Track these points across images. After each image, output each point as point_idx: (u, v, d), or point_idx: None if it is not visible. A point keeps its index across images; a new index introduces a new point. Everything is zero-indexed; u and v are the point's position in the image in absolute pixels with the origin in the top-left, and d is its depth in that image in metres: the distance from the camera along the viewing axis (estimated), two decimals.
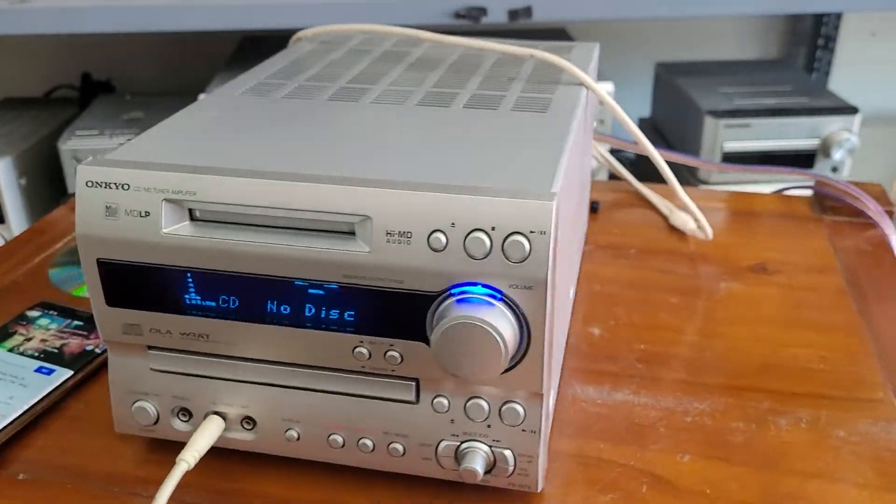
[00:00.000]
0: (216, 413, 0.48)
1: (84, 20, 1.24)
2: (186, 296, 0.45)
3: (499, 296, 0.40)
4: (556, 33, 1.53)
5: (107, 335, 0.47)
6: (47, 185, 1.43)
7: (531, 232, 0.39)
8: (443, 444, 0.46)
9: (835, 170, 1.40)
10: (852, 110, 1.37)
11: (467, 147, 0.47)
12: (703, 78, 1.53)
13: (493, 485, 0.46)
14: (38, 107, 1.58)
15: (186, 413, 0.49)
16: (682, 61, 1.66)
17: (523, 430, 0.45)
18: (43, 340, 0.59)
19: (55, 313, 0.63)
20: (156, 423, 0.49)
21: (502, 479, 0.46)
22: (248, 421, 0.48)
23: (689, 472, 0.49)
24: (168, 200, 0.43)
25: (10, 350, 0.58)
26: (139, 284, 0.45)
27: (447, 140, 0.48)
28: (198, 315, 0.45)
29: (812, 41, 1.75)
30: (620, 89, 1.38)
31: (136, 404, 0.49)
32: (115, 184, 0.43)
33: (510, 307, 0.41)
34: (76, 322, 0.62)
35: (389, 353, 0.44)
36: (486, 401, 0.44)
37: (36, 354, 0.58)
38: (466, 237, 0.40)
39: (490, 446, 0.45)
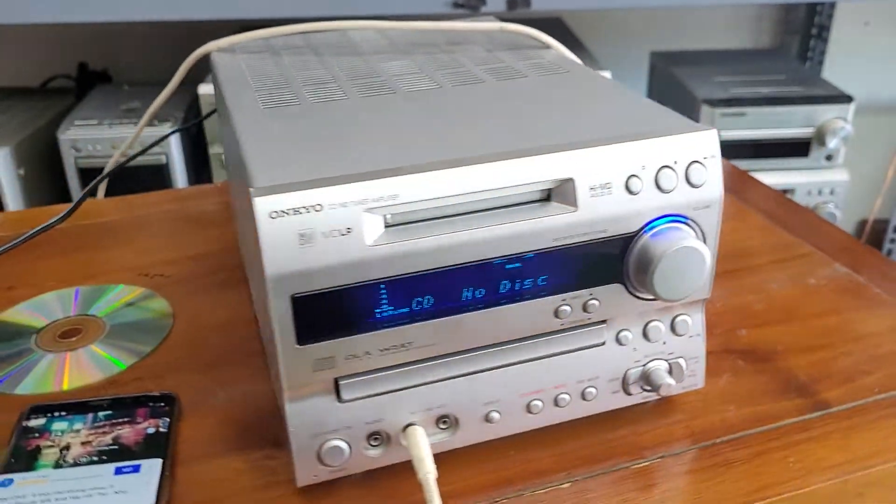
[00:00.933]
0: (411, 424, 0.46)
1: (81, 9, 1.24)
2: (379, 309, 0.42)
3: (685, 220, 0.46)
4: (552, 23, 1.53)
5: (293, 381, 0.42)
6: (45, 175, 1.43)
7: (704, 158, 0.45)
8: (629, 372, 0.50)
9: (829, 158, 1.41)
10: (847, 99, 1.38)
11: (578, 108, 0.50)
12: (699, 67, 1.54)
13: (671, 393, 0.51)
14: (35, 97, 1.58)
15: (378, 437, 0.46)
16: (677, 50, 1.66)
17: (690, 337, 0.50)
18: (85, 443, 0.49)
19: (64, 413, 0.51)
20: (348, 458, 0.46)
21: (677, 387, 0.51)
22: (444, 420, 0.47)
23: None
24: (368, 210, 0.40)
25: (59, 466, 0.47)
26: (335, 311, 0.41)
27: (546, 106, 0.50)
28: (394, 325, 0.43)
29: (806, 30, 1.76)
30: (616, 78, 1.38)
31: (327, 445, 0.45)
32: (306, 207, 0.39)
33: (694, 228, 0.46)
34: (104, 413, 0.51)
35: (589, 302, 0.46)
36: (660, 321, 0.49)
37: (96, 459, 0.48)
38: (657, 174, 0.45)
39: (667, 360, 0.50)
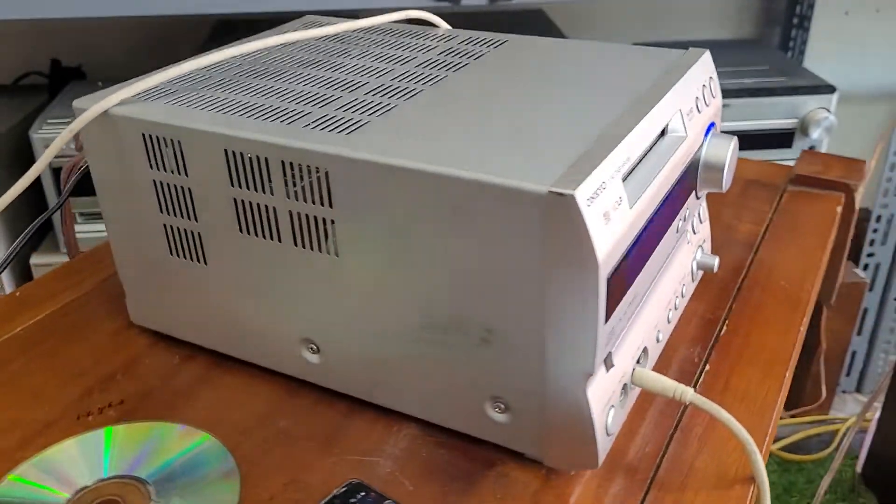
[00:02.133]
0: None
1: (53, 5, 1.21)
2: (636, 269, 0.46)
3: (712, 126, 0.57)
4: (534, 14, 1.52)
5: (598, 359, 0.44)
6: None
7: (710, 77, 0.59)
8: (692, 263, 0.62)
9: (812, 148, 1.40)
10: (830, 89, 1.37)
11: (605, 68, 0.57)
12: None
13: (714, 270, 0.63)
14: (6, 94, 1.55)
15: (623, 391, 0.49)
16: (659, 41, 1.65)
17: (703, 223, 0.64)
18: None
19: None
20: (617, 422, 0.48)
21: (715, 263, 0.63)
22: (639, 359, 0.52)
23: None
24: (622, 178, 0.43)
25: None
26: (622, 282, 0.44)
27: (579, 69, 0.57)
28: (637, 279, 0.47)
29: (787, 21, 1.75)
30: None
31: (609, 416, 0.47)
32: (598, 188, 0.40)
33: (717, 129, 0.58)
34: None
35: (688, 214, 0.57)
36: (694, 214, 0.59)
37: None
38: (702, 93, 0.56)
39: (702, 246, 0.63)
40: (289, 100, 0.52)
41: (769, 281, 0.68)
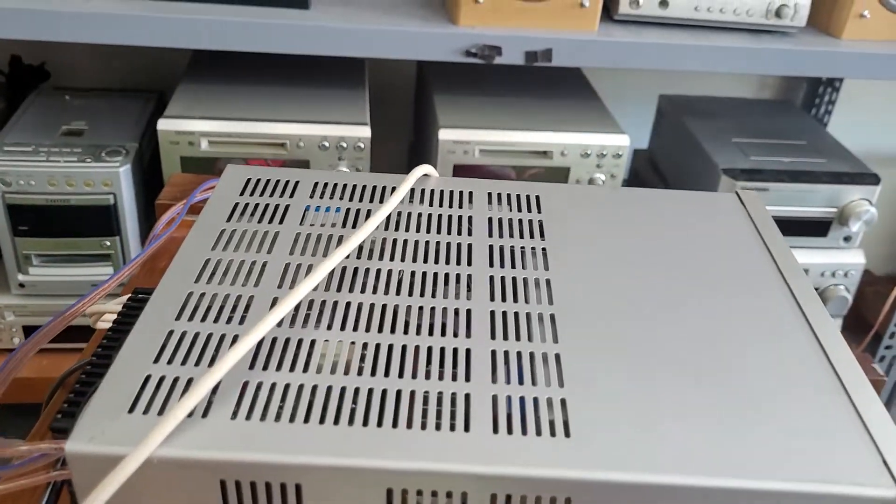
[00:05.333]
0: None
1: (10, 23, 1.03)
2: None
3: None
4: (571, 72, 1.39)
5: None
6: None
7: None
8: None
9: (847, 238, 1.30)
10: (874, 179, 1.27)
11: None
12: (711, 121, 1.41)
13: None
14: None
15: None
16: (687, 95, 1.53)
17: None
18: None
19: None
20: None
21: None
22: None
23: None
24: None
25: None
26: None
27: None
28: None
29: (814, 79, 1.64)
30: (619, 116, 1.27)
31: None
32: None
33: None
34: None
35: None
36: None
37: None
38: None
39: None
40: (417, 376, 0.40)
41: None
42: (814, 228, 1.28)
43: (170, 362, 0.40)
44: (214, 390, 0.38)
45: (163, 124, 1.11)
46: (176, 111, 1.14)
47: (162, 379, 0.39)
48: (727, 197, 0.59)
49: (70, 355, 1.12)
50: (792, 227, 1.27)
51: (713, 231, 0.54)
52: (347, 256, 0.47)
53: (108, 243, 1.17)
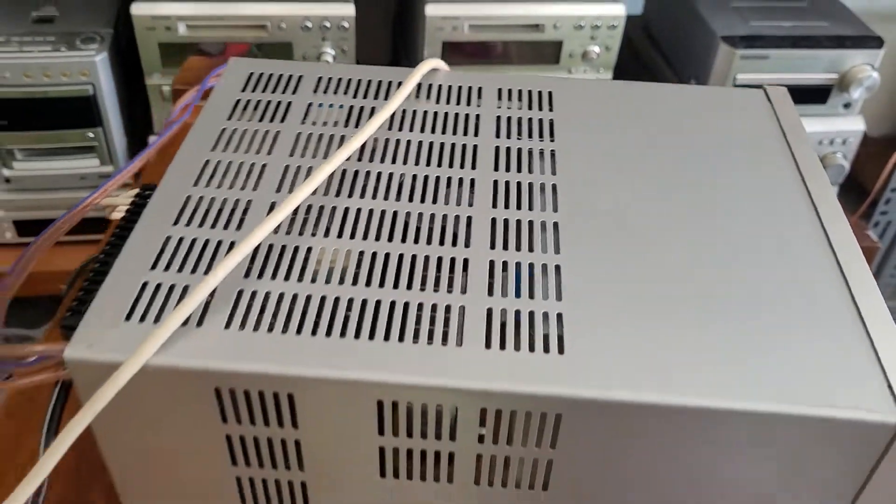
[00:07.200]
0: None
1: None
2: None
3: None
4: None
5: None
6: None
7: None
8: None
9: (847, 105, 1.28)
10: (877, 42, 1.24)
11: None
12: None
13: None
14: None
15: None
16: None
17: None
18: None
19: None
20: None
21: None
22: None
23: None
24: None
25: None
26: None
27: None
28: None
29: None
30: None
31: None
32: None
33: None
34: None
35: None
36: None
37: None
38: None
39: None
40: (412, 282, 0.40)
41: None
42: (813, 95, 1.27)
43: (166, 269, 0.40)
44: (209, 299, 0.38)
45: (136, 9, 1.07)
46: None
47: (158, 286, 0.39)
48: (753, 93, 0.56)
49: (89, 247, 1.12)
50: (791, 94, 1.25)
51: (734, 132, 0.52)
52: (348, 159, 0.47)
53: (92, 135, 1.15)
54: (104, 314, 0.38)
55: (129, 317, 0.38)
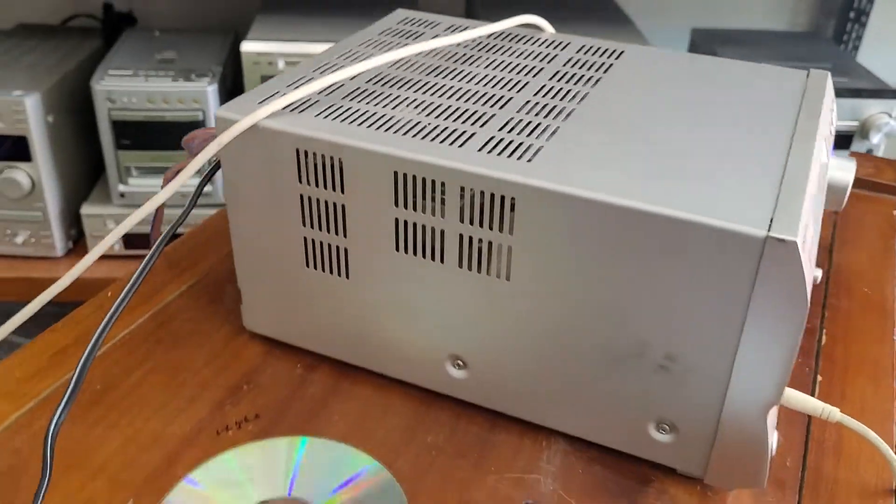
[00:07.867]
0: None
1: None
2: None
3: None
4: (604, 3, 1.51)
5: (783, 390, 0.45)
6: (74, 123, 1.38)
7: None
8: None
9: (870, 151, 1.40)
10: (893, 94, 1.36)
11: None
12: (740, 49, 1.51)
13: None
14: (57, 37, 1.52)
15: None
16: (718, 29, 1.64)
17: None
18: None
19: None
20: None
21: None
22: None
23: None
24: None
25: None
26: None
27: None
28: None
29: (843, 13, 1.74)
30: None
31: None
32: (804, 230, 0.41)
33: None
34: None
35: None
36: None
37: None
38: None
39: None
40: (445, 116, 0.51)
41: (852, 287, 0.68)
42: (837, 142, 1.38)
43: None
44: (311, 99, 0.52)
45: (246, 46, 1.26)
46: (256, 36, 1.29)
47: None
48: (796, 73, 0.60)
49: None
50: None
51: (755, 95, 0.56)
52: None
53: None
54: (246, 98, 0.52)
55: (263, 102, 0.52)
